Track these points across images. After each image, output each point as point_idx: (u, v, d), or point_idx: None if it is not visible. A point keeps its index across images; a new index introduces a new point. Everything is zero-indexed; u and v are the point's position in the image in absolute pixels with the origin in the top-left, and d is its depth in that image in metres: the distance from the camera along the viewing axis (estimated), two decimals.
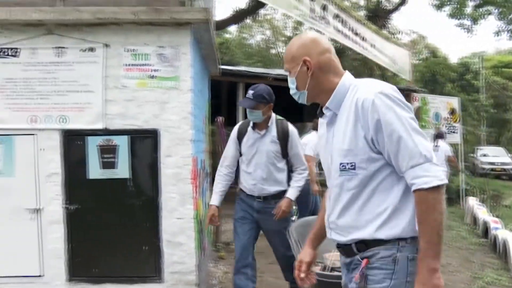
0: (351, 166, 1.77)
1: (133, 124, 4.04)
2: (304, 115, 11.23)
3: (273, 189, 3.81)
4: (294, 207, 6.92)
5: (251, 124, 3.80)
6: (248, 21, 15.67)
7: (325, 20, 5.14)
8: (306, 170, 3.96)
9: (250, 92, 3.68)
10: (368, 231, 1.76)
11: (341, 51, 14.58)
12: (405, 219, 1.73)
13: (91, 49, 4.03)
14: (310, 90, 1.89)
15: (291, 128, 3.86)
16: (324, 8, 5.12)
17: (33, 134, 4.06)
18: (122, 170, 4.02)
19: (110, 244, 4.12)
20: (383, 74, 15.72)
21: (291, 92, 1.96)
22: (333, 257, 3.53)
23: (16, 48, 4.07)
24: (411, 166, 1.65)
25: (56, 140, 4.05)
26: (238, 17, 13.32)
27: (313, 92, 1.88)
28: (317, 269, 3.45)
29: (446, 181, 1.67)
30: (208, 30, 4.28)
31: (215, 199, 3.85)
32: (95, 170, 4.03)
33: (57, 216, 4.12)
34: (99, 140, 4.00)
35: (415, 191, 1.66)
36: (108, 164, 4.02)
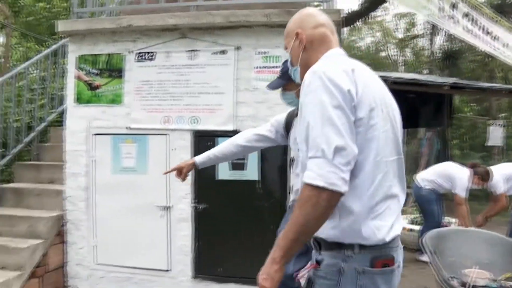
0: (298, 148, 1.61)
1: None
2: (421, 120, 10.84)
3: None
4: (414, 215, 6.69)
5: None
6: (358, 23, 15.31)
7: (453, 19, 4.93)
8: None
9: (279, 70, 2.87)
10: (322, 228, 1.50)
11: (458, 52, 13.83)
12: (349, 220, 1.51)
13: (223, 52, 4.13)
14: (303, 66, 1.75)
15: None
16: (453, 6, 4.93)
17: (165, 134, 4.23)
18: (251, 172, 4.07)
19: (235, 244, 4.17)
20: (506, 76, 14.67)
21: (289, 69, 1.87)
22: (475, 274, 3.33)
23: (153, 52, 4.27)
24: (309, 157, 1.45)
25: (187, 141, 4.19)
26: (349, 19, 13.08)
27: (305, 68, 1.66)
28: (455, 284, 3.27)
29: (335, 188, 1.39)
30: (337, 32, 4.23)
31: (201, 156, 2.81)
32: (224, 171, 4.11)
33: (185, 215, 4.25)
34: None
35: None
36: (237, 166, 4.08)
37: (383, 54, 23.85)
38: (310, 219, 1.42)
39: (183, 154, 4.16)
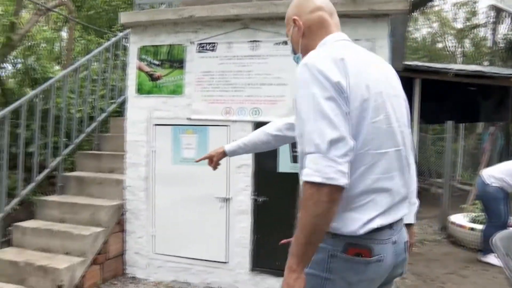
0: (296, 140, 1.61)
1: None
2: (482, 115, 10.44)
3: None
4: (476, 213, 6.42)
5: None
6: (415, 13, 14.82)
7: None
8: None
9: None
10: None
11: None
12: None
13: (285, 42, 4.05)
14: (304, 53, 1.67)
15: None
16: None
17: (226, 126, 4.21)
18: None
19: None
20: None
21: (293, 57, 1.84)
22: None
23: (214, 43, 4.25)
24: (305, 153, 1.43)
25: (248, 132, 4.05)
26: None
27: (305, 55, 1.59)
28: None
29: (335, 182, 1.36)
30: (404, 22, 4.09)
31: (231, 145, 2.49)
32: (285, 164, 4.04)
33: (245, 207, 4.22)
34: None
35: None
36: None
37: (440, 45, 23.08)
38: (316, 218, 1.40)
39: None
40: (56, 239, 4.23)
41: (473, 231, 6.11)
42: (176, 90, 4.41)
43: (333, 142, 1.39)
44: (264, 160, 4.11)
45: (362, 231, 1.50)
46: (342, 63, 1.48)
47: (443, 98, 10.23)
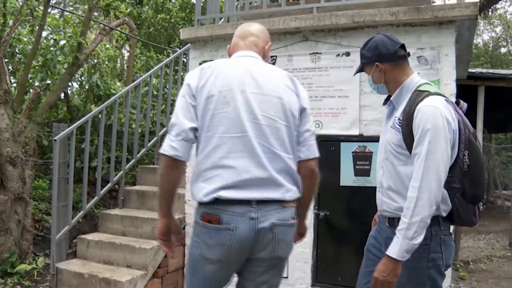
0: None
1: None
2: None
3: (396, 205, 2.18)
4: None
5: None
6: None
7: None
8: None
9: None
10: None
11: None
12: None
13: (347, 54, 3.97)
14: None
15: (424, 104, 2.03)
16: None
17: None
18: (376, 178, 3.84)
19: (357, 253, 3.93)
20: None
21: None
22: None
23: (274, 56, 4.22)
24: None
25: None
26: None
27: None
28: None
29: (165, 152, 1.92)
30: (471, 28, 3.91)
31: None
32: (348, 177, 3.92)
33: (307, 221, 4.12)
34: (354, 146, 3.89)
35: None
36: (362, 171, 3.87)
37: (503, 50, 22.07)
38: (160, 178, 2.01)
39: None
40: (118, 252, 4.30)
41: None
42: None
43: (172, 126, 1.97)
44: (327, 174, 4.00)
45: (206, 198, 1.92)
46: (203, 70, 2.05)
47: (509, 106, 9.74)
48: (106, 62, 6.72)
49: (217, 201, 1.91)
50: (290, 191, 2.04)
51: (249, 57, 2.16)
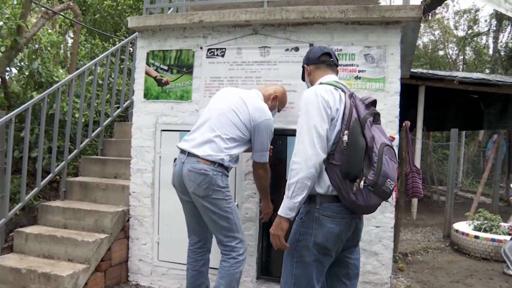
0: None
1: None
2: (484, 122, 10.44)
3: None
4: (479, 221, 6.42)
5: None
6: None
7: None
8: None
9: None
10: None
11: None
12: None
13: (296, 49, 4.02)
14: None
15: (307, 90, 2.52)
16: None
17: None
18: None
19: None
20: None
21: None
22: None
23: (223, 49, 4.21)
24: None
25: None
26: None
27: None
28: None
29: None
30: (415, 29, 4.06)
31: None
32: None
33: (252, 214, 4.16)
34: None
35: None
36: None
37: (441, 53, 23.18)
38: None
39: None
40: (59, 246, 4.16)
41: (477, 239, 6.08)
42: (184, 96, 4.36)
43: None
44: (273, 167, 4.05)
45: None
46: None
47: (446, 106, 10.22)
48: (49, 48, 6.43)
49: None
50: (205, 153, 3.18)
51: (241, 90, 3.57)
